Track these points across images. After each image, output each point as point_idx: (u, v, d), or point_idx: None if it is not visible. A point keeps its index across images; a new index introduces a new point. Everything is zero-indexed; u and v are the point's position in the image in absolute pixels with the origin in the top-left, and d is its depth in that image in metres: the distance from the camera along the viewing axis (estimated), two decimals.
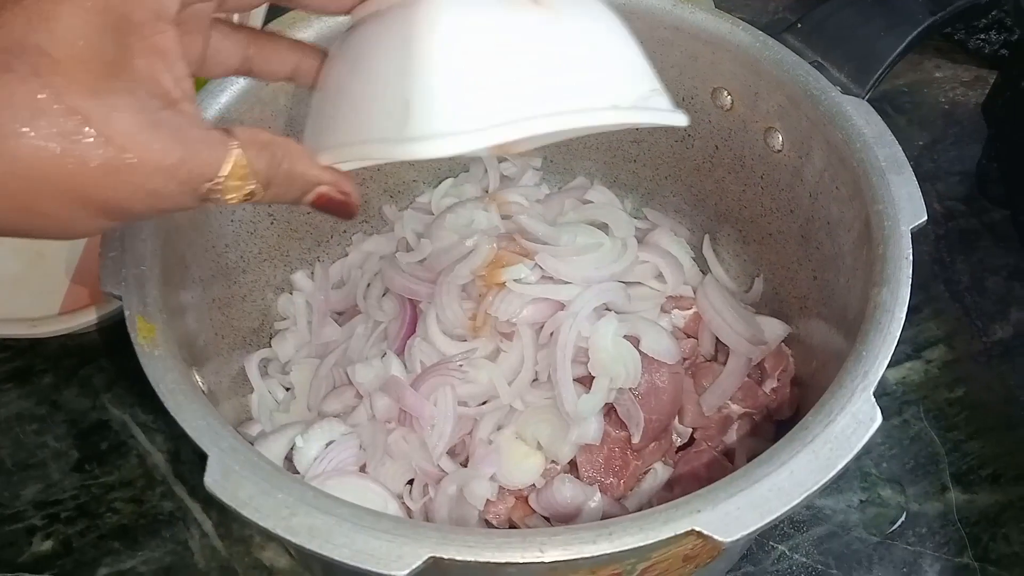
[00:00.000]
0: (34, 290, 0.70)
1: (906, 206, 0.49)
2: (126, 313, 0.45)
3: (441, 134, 0.34)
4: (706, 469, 0.58)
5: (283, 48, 0.41)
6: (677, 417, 0.59)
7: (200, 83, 0.70)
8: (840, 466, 0.39)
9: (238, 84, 0.56)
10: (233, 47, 0.39)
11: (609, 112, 0.37)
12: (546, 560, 0.37)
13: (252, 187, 0.34)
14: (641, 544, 0.37)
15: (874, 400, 0.41)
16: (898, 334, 0.44)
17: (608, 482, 0.56)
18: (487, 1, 0.36)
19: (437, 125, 0.34)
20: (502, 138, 0.34)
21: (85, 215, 0.31)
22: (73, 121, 0.29)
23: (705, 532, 0.37)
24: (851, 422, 0.41)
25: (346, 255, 0.69)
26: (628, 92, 0.38)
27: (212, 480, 0.39)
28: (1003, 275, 0.76)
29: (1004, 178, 0.79)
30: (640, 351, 0.57)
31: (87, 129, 0.29)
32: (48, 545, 0.61)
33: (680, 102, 0.63)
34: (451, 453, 0.57)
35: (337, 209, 0.38)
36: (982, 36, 0.88)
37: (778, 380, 0.60)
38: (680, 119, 0.39)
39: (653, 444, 0.57)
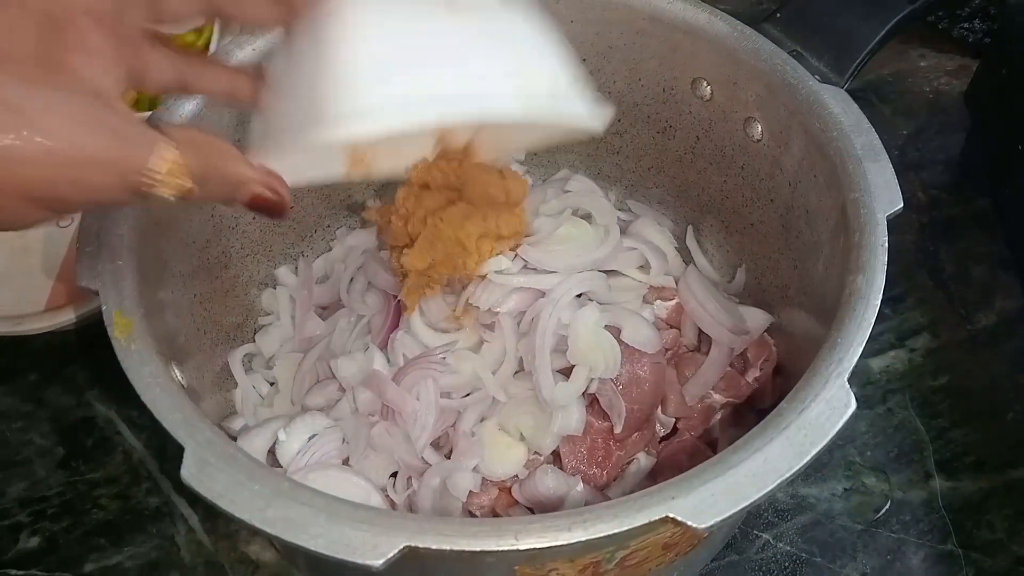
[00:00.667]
0: (18, 287, 0.70)
1: (882, 194, 0.49)
2: (103, 308, 0.45)
3: (337, 118, 0.38)
4: (689, 459, 0.58)
5: (217, 71, 0.44)
6: (660, 407, 0.59)
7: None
8: (814, 452, 0.39)
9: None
10: (169, 66, 0.41)
11: (514, 103, 0.40)
12: (521, 548, 0.37)
13: (188, 184, 0.35)
14: (616, 531, 0.37)
15: (848, 387, 0.41)
16: (873, 321, 0.44)
17: (591, 472, 0.56)
18: (398, 9, 0.40)
19: (333, 111, 0.38)
20: (386, 126, 0.38)
21: (25, 206, 0.31)
22: (9, 116, 0.29)
23: (679, 519, 0.37)
24: (825, 408, 0.41)
25: (330, 250, 0.70)
26: (537, 86, 0.41)
27: (188, 473, 0.39)
28: (987, 263, 0.76)
29: (987, 166, 0.79)
30: (621, 341, 0.57)
31: (23, 124, 0.30)
32: (34, 542, 0.61)
33: (660, 92, 0.64)
34: (434, 445, 0.57)
35: (270, 208, 0.39)
36: (966, 25, 0.88)
37: (760, 369, 0.60)
38: (597, 120, 0.43)
39: (636, 434, 0.58)
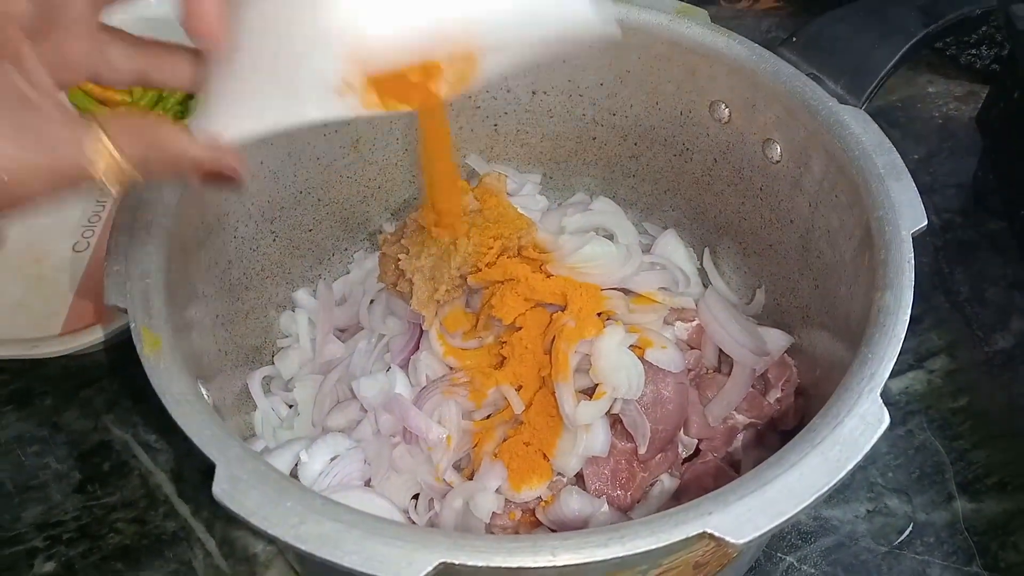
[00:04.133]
0: (35, 311, 0.70)
1: (906, 212, 0.49)
2: (131, 325, 0.45)
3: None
4: (713, 480, 0.57)
5: (180, 60, 0.39)
6: (682, 428, 0.59)
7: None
8: (850, 467, 0.39)
9: None
10: (127, 61, 0.38)
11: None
12: (558, 564, 0.36)
13: (127, 173, 0.33)
14: (653, 547, 0.37)
15: (881, 402, 0.41)
16: (903, 336, 0.44)
17: (615, 494, 0.56)
18: None
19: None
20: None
21: None
22: None
23: (717, 534, 0.37)
24: (859, 423, 0.41)
25: (348, 272, 0.70)
26: None
27: (220, 490, 0.39)
28: (1002, 285, 0.76)
29: (1001, 188, 0.79)
30: (645, 360, 0.57)
31: None
32: (50, 567, 0.61)
33: (677, 116, 0.64)
34: (456, 466, 0.57)
35: (224, 182, 0.37)
36: (973, 51, 0.89)
37: (782, 390, 0.60)
38: (607, 22, 0.39)
39: (659, 455, 0.57)
